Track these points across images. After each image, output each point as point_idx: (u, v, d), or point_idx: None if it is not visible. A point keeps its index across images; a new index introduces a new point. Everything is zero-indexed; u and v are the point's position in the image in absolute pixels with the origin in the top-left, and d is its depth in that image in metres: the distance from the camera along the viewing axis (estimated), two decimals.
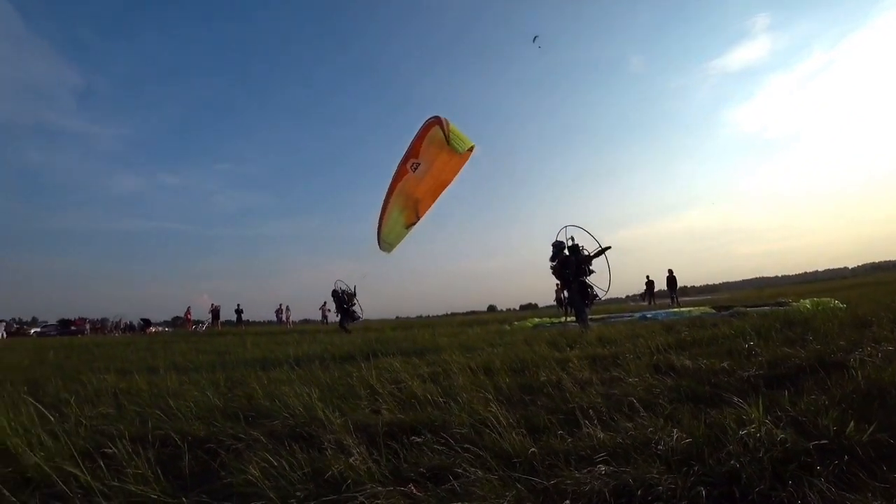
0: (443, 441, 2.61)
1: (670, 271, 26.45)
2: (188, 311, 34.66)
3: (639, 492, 1.90)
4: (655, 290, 28.80)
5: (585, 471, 2.12)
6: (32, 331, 40.85)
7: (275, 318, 35.21)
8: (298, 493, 2.04)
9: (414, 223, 14.11)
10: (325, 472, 2.22)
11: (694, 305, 18.16)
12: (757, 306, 12.50)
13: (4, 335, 34.57)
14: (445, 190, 13.60)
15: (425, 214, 13.96)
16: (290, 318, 34.82)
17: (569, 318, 14.99)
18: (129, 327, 40.63)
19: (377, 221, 14.16)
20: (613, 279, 10.28)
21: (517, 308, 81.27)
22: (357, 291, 18.67)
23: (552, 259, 10.42)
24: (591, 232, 10.44)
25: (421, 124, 12.45)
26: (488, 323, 17.29)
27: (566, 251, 10.31)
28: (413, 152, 12.92)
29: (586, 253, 10.29)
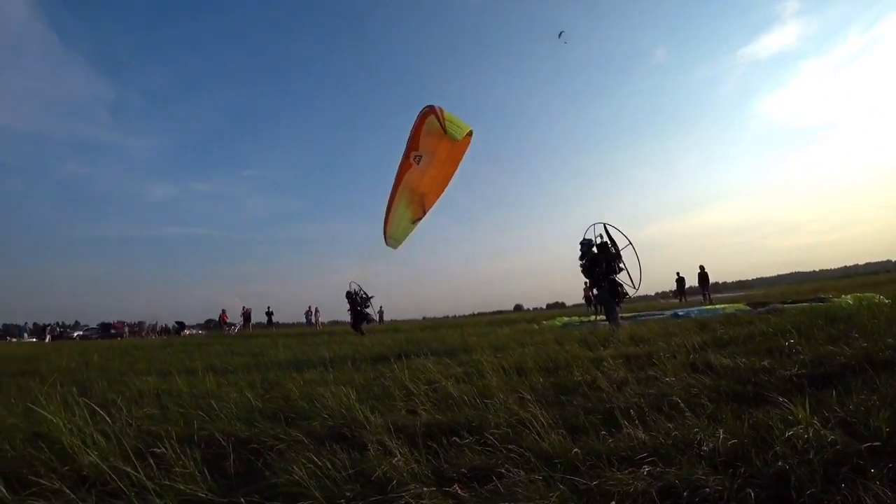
0: (482, 442, 2.63)
1: (702, 267, 25.82)
2: (224, 314, 35.39)
3: (685, 493, 1.88)
4: (686, 286, 28.16)
5: (628, 471, 2.11)
6: (75, 334, 42.53)
7: (304, 320, 35.75)
8: (348, 494, 2.08)
9: (420, 218, 14.00)
10: (369, 473, 2.26)
11: (727, 302, 17.69)
12: (795, 302, 12.09)
13: (49, 338, 36.18)
14: (451, 180, 13.51)
15: (432, 208, 13.87)
16: (320, 320, 35.35)
17: (598, 317, 14.82)
18: (165, 330, 41.93)
19: (383, 217, 14.10)
20: (643, 276, 10.14)
21: (544, 307, 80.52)
22: (368, 294, 18.42)
23: (581, 258, 10.30)
24: (619, 229, 10.32)
25: (418, 116, 12.24)
26: (516, 322, 17.20)
27: (595, 249, 10.19)
28: (413, 145, 12.76)
29: (615, 250, 10.16)
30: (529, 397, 3.39)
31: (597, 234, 10.40)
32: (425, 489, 2.04)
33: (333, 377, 5.08)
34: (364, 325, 18.26)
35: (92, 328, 45.07)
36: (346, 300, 18.46)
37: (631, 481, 2.01)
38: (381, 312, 39.54)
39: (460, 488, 2.03)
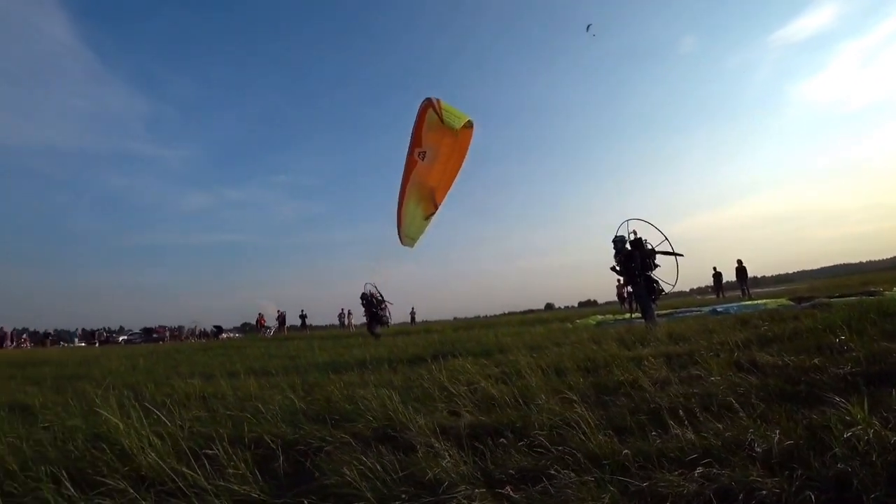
0: (526, 443, 2.63)
1: (739, 262, 25.01)
2: (261, 318, 36.14)
3: (741, 496, 1.85)
4: (724, 281, 27.32)
5: (678, 473, 2.08)
6: (121, 339, 44.41)
7: (337, 323, 36.29)
8: (403, 496, 2.12)
9: (433, 213, 13.91)
10: (418, 474, 2.29)
11: (768, 297, 17.11)
12: (842, 296, 11.59)
13: (97, 343, 37.87)
14: (458, 173, 13.30)
15: (443, 202, 13.76)
16: (352, 322, 35.81)
17: (634, 315, 14.55)
18: (204, 334, 43.24)
19: (396, 216, 13.96)
20: (679, 272, 9.90)
21: (575, 305, 79.57)
22: (384, 296, 18.03)
23: (615, 255, 10.12)
24: (653, 223, 10.11)
25: (418, 111, 12.01)
26: (549, 321, 17.05)
27: (628, 245, 10.01)
28: (416, 141, 12.57)
29: (650, 246, 9.96)
30: (575, 398, 3.37)
31: (630, 230, 10.24)
32: (476, 491, 2.05)
33: (373, 379, 5.15)
34: (378, 329, 17.95)
35: (135, 333, 46.93)
36: (361, 302, 18.17)
37: (683, 483, 1.98)
38: (412, 314, 39.83)
39: (512, 489, 2.03)
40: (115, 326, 57.23)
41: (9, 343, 36.34)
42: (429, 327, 22.76)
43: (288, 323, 35.06)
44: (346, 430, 3.28)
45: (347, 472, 2.34)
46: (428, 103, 11.61)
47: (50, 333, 42.49)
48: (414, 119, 12.10)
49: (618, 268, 10.20)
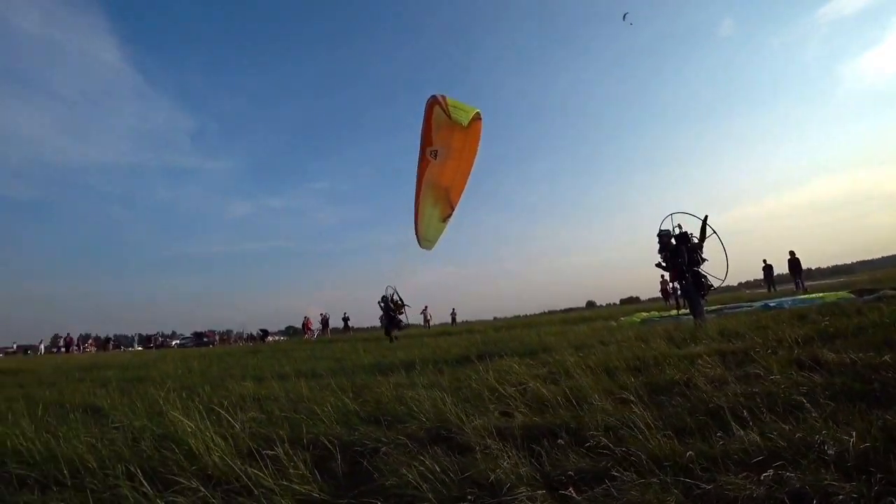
0: (582, 443, 2.61)
1: (792, 253, 23.75)
2: (308, 321, 36.99)
3: (814, 500, 1.78)
4: (774, 274, 26.05)
5: (743, 475, 2.02)
6: (174, 343, 46.63)
7: (378, 325, 36.70)
8: (466, 497, 2.14)
9: (450, 215, 13.70)
10: (476, 475, 2.31)
11: (824, 290, 16.24)
12: None
13: (154, 347, 39.87)
14: (472, 169, 12.99)
15: (458, 203, 13.48)
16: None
17: (681, 312, 14.12)
18: (250, 337, 44.79)
19: (413, 220, 13.89)
20: (729, 266, 9.54)
21: (617, 302, 77.87)
22: (403, 299, 17.95)
23: (660, 250, 9.83)
24: (698, 216, 9.78)
25: (425, 110, 11.88)
26: (591, 320, 16.77)
27: (674, 240, 9.72)
28: (427, 140, 12.45)
29: (696, 240, 9.64)
30: (633, 398, 3.32)
31: (674, 224, 9.94)
32: (537, 492, 2.05)
33: (422, 381, 5.19)
34: (395, 332, 17.89)
35: (187, 337, 49.19)
36: (380, 304, 18.00)
37: (750, 486, 1.92)
38: (453, 315, 39.92)
39: (574, 491, 2.02)
40: (167, 331, 60.12)
41: (75, 348, 38.95)
42: (470, 328, 22.75)
43: (331, 325, 35.88)
44: (399, 432, 3.32)
45: (407, 473, 2.38)
46: (434, 101, 11.48)
47: (111, 338, 45.03)
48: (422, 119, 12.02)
49: (663, 263, 9.92)
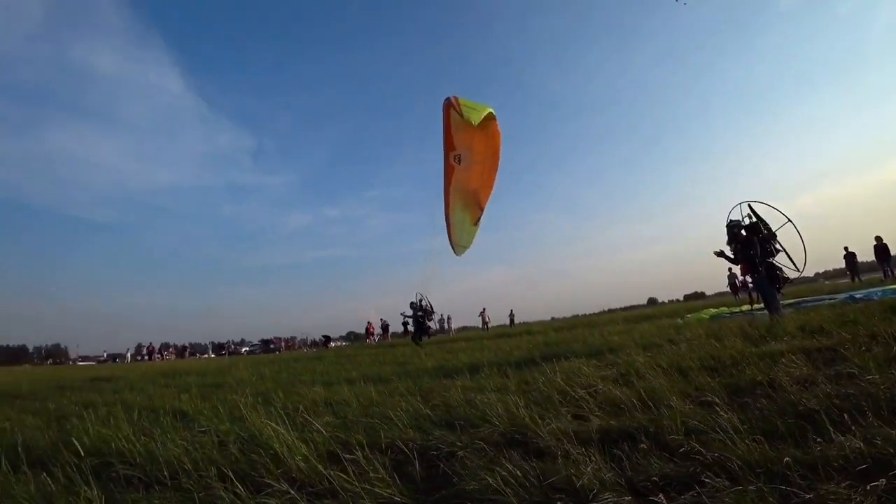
0: (665, 448, 2.54)
1: (878, 238, 21.68)
2: (370, 326, 37.92)
3: None
4: (858, 262, 23.99)
5: (846, 485, 1.90)
6: (243, 350, 49.28)
7: (438, 328, 37.33)
8: (556, 502, 2.13)
9: (479, 218, 13.54)
10: (559, 480, 2.29)
11: None
12: None
13: (227, 354, 42.42)
14: (497, 170, 12.88)
15: (487, 204, 13.31)
16: (453, 327, 36.61)
17: (755, 306, 13.38)
18: (314, 343, 46.53)
19: (445, 227, 13.85)
20: (807, 256, 8.91)
21: (681, 299, 74.62)
22: (433, 306, 17.81)
23: (729, 242, 9.32)
24: (770, 203, 9.22)
25: (442, 115, 11.87)
26: (655, 318, 16.18)
27: (744, 231, 9.20)
28: (449, 145, 12.41)
29: (770, 230, 9.07)
30: (717, 400, 3.19)
31: (744, 214, 9.40)
32: (624, 498, 2.02)
33: (491, 384, 5.21)
34: (421, 338, 17.67)
35: (255, 344, 51.83)
36: (410, 310, 17.86)
37: (856, 496, 1.80)
38: (511, 316, 39.78)
39: (665, 497, 1.97)
40: (237, 339, 63.44)
41: (157, 356, 42.12)
42: (529, 329, 22.51)
43: (391, 330, 36.75)
44: (473, 436, 3.34)
45: (487, 477, 2.40)
46: (448, 103, 11.48)
47: (187, 346, 48.20)
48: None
49: (731, 255, 9.40)
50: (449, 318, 36.84)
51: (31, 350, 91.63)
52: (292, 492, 2.71)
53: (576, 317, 51.95)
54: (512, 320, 39.61)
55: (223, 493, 2.75)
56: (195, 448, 3.83)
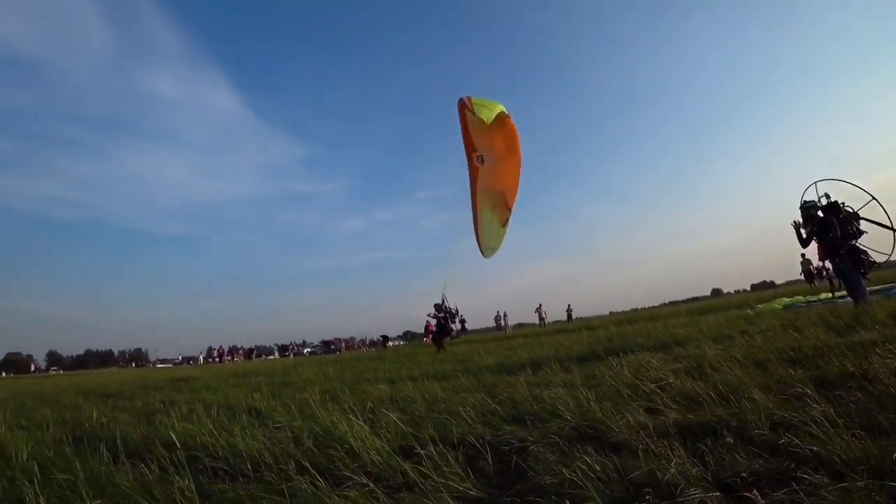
0: (750, 443, 2.42)
1: None
2: (430, 325, 38.41)
3: None
4: None
5: None
6: (305, 350, 51.29)
7: (493, 325, 37.36)
8: (647, 498, 2.05)
9: (508, 219, 13.26)
10: (642, 476, 2.24)
11: None
12: None
13: (291, 355, 44.46)
14: (521, 168, 12.60)
15: (514, 204, 13.05)
16: (509, 324, 36.46)
17: (837, 294, 12.48)
18: (373, 343, 47.71)
19: (473, 229, 13.70)
20: (880, 235, 8.11)
21: (748, 288, 70.63)
22: (454, 308, 17.44)
23: (804, 225, 8.66)
24: (850, 181, 8.49)
25: (459, 116, 11.76)
26: (722, 309, 15.40)
27: (821, 213, 8.52)
28: (470, 146, 12.33)
29: (849, 209, 8.34)
30: (808, 391, 3.01)
31: (821, 193, 8.70)
32: (712, 494, 1.94)
33: (556, 379, 5.15)
34: (443, 340, 17.26)
35: (316, 345, 53.72)
36: (434, 311, 17.41)
37: None
38: (569, 311, 39.14)
39: (759, 494, 1.88)
40: (298, 340, 66.02)
41: (227, 357, 44.72)
42: (587, 324, 22.01)
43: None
44: (542, 431, 3.32)
45: (564, 472, 2.38)
46: (461, 104, 11.42)
47: (254, 349, 50.77)
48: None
49: (802, 232, 8.69)
50: (505, 315, 36.78)
51: (116, 354, 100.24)
52: (371, 484, 2.77)
53: (634, 310, 50.35)
54: (569, 316, 38.96)
55: (306, 486, 2.83)
56: (273, 443, 3.99)
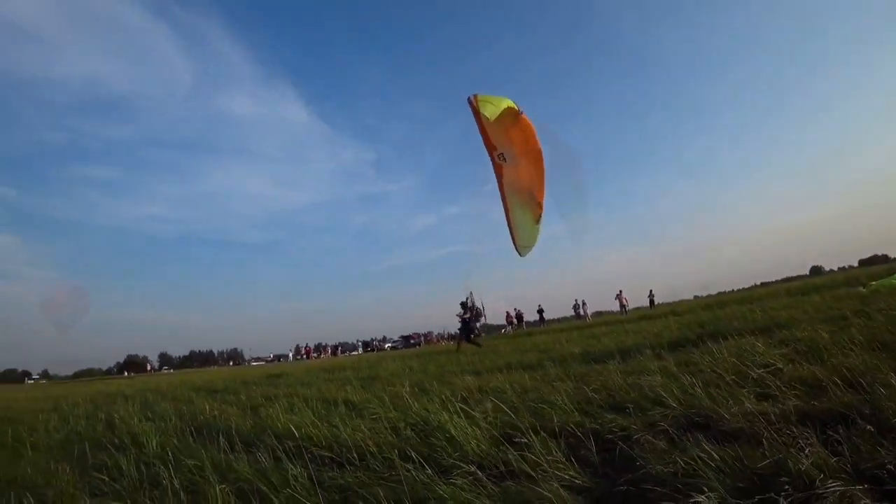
0: (890, 432, 2.22)
1: None
2: (508, 316, 38.54)
3: None
4: None
5: None
6: (386, 345, 53.13)
7: (572, 314, 36.91)
8: (785, 488, 1.91)
9: (540, 215, 12.86)
10: (768, 466, 2.12)
11: None
12: None
13: (374, 350, 46.36)
14: (544, 160, 12.14)
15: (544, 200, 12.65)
16: (588, 312, 35.76)
17: None
18: (451, 336, 48.46)
19: (508, 229, 13.54)
20: None
21: (854, 265, 63.89)
22: (480, 306, 16.81)
23: None
24: None
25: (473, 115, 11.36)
26: (825, 288, 14.04)
27: None
28: (489, 145, 12.12)
29: None
30: None
31: None
32: (854, 487, 1.80)
33: (652, 366, 4.97)
34: (462, 339, 16.69)
35: (396, 340, 55.39)
36: (461, 309, 16.76)
37: None
38: (651, 297, 37.62)
39: None
40: (379, 336, 68.52)
41: (314, 354, 47.51)
42: (672, 309, 20.93)
43: (525, 319, 37.13)
44: (644, 419, 3.22)
45: (680, 460, 2.32)
46: (470, 104, 11.14)
47: (338, 345, 53.45)
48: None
49: None
50: (584, 304, 36.09)
51: (216, 354, 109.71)
52: (479, 472, 2.80)
53: (722, 293, 47.18)
54: (652, 301, 37.47)
55: (413, 474, 2.90)
56: (373, 433, 4.13)
